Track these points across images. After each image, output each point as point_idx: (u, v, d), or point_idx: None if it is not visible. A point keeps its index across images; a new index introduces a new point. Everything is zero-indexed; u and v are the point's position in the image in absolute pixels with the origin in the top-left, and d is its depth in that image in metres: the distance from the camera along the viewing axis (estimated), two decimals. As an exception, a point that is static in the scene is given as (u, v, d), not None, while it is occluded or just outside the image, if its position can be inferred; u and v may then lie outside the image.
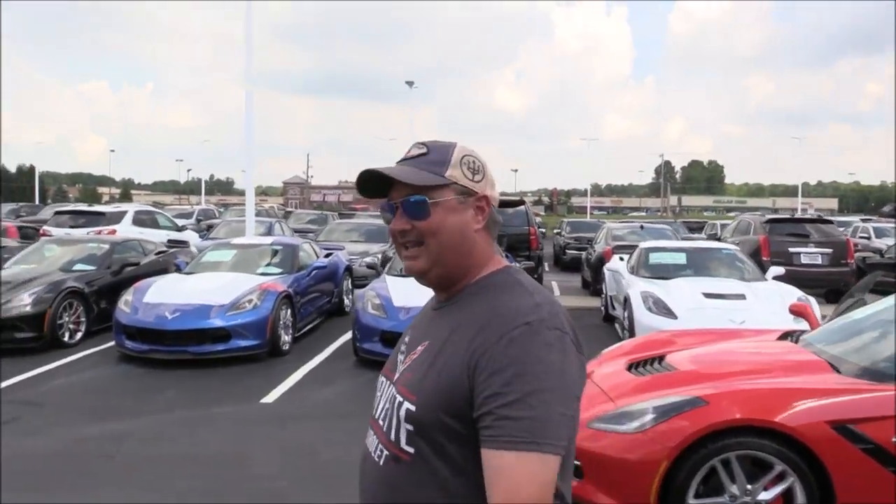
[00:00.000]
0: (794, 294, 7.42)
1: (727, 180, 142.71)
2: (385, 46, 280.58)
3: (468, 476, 1.17)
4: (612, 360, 4.45)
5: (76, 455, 4.89)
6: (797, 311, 5.02)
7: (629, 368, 4.15)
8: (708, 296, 7.25)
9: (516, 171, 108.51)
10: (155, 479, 4.47)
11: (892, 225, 21.52)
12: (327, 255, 10.22)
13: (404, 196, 1.27)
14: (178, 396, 6.36)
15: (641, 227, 14.69)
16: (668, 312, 7.01)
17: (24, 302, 7.83)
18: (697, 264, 8.46)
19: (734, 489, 3.22)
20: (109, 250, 9.43)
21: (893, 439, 3.13)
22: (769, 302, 7.15)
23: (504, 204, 13.31)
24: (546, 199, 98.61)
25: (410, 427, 1.20)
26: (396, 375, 1.31)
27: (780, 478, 3.21)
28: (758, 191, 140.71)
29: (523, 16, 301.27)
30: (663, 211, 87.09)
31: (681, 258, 8.64)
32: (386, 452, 1.26)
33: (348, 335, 8.96)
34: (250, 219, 12.22)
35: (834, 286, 11.24)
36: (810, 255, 11.41)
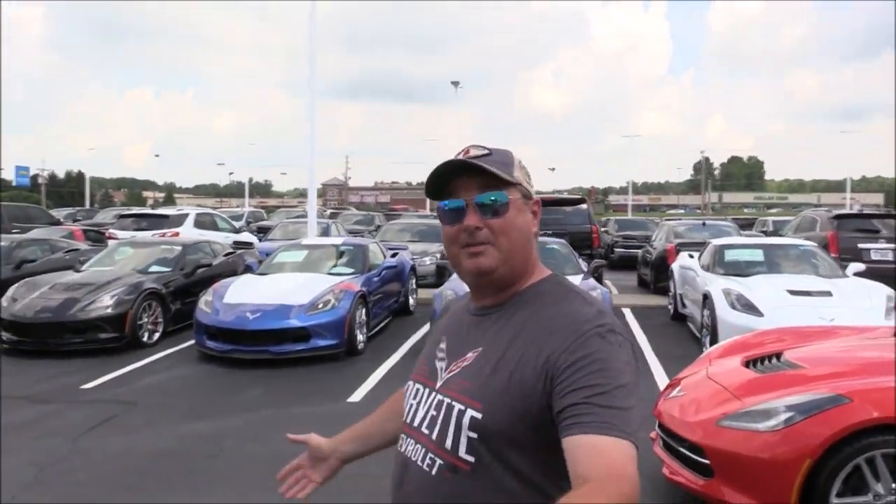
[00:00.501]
0: (882, 291, 7.24)
1: (767, 176, 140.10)
2: (421, 50, 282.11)
3: (531, 484, 1.16)
4: (724, 358, 4.39)
5: (180, 453, 4.98)
6: (905, 309, 4.89)
7: (747, 366, 4.08)
8: (793, 293, 7.10)
9: (553, 169, 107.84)
10: (269, 478, 4.53)
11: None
12: (393, 255, 10.29)
13: (476, 194, 1.25)
14: (265, 395, 6.45)
15: (703, 223, 14.49)
16: (753, 310, 6.88)
17: (105, 303, 8.02)
18: (774, 261, 8.29)
19: (879, 488, 3.15)
20: (182, 252, 9.61)
21: None
22: (857, 298, 6.99)
23: (564, 202, 13.27)
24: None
25: (475, 435, 1.17)
26: (440, 382, 1.29)
27: (928, 477, 3.13)
28: (799, 186, 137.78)
29: (560, 15, 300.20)
30: (703, 208, 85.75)
31: (758, 255, 8.48)
32: (439, 462, 1.22)
33: (419, 334, 9.02)
34: (312, 220, 12.36)
35: (907, 283, 10.94)
36: (881, 251, 11.11)
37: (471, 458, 1.17)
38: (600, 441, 1.04)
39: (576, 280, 8.10)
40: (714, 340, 7.09)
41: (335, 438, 1.61)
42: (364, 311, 8.13)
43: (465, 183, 1.26)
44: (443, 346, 1.35)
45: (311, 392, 6.58)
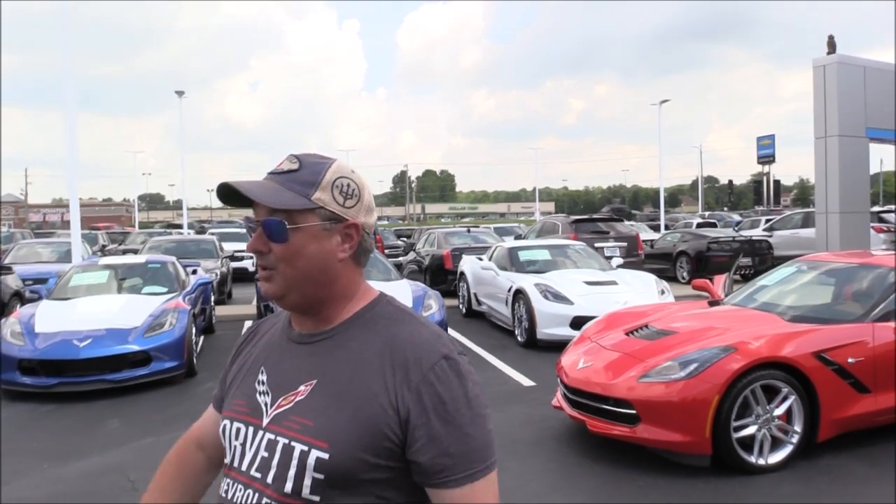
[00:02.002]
0: (647, 277, 9.10)
1: (457, 188, 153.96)
2: (110, 54, 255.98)
3: None
4: (604, 333, 5.39)
5: (90, 493, 4.57)
6: (701, 287, 6.43)
7: (628, 335, 5.14)
8: (588, 283, 8.58)
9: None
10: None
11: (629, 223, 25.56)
12: (193, 272, 9.88)
13: (265, 215, 1.15)
14: (127, 426, 6.00)
15: (468, 230, 16.06)
16: (563, 299, 8.18)
17: None
18: (558, 259, 9.82)
19: (759, 410, 4.34)
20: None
21: (849, 360, 4.50)
22: (634, 285, 8.70)
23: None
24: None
25: (321, 476, 1.09)
26: (267, 419, 1.18)
27: (785, 398, 4.40)
28: (484, 197, 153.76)
29: (254, 25, 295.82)
30: (407, 218, 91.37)
31: (545, 254, 9.94)
32: None
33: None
34: (77, 240, 11.25)
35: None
36: (611, 248, 13.57)
37: (315, 498, 1.10)
38: (468, 492, 1.09)
39: (400, 284, 8.73)
40: (532, 328, 8.27)
41: None
42: (194, 330, 7.84)
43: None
44: (262, 378, 1.22)
45: (176, 416, 6.27)
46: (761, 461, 4.34)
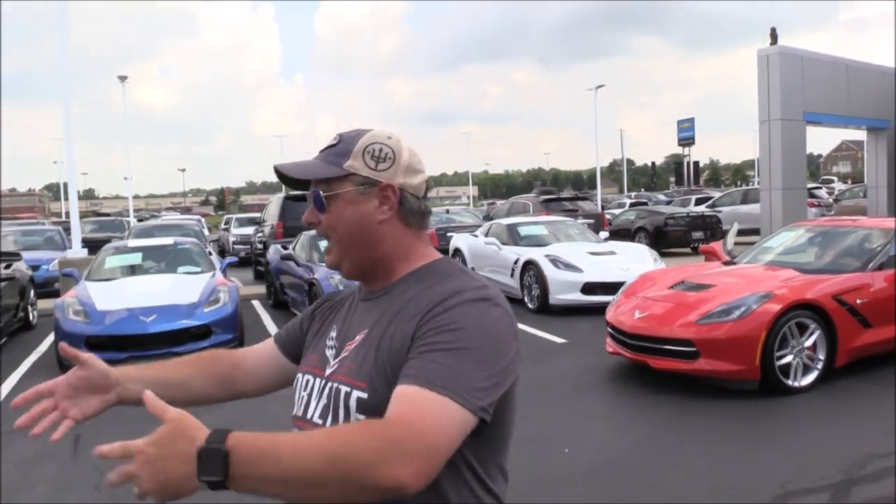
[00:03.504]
0: (640, 247, 10.14)
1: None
2: (10, 41, 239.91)
3: None
4: (646, 290, 6.31)
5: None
6: (708, 251, 7.47)
7: (671, 289, 6.09)
8: (591, 254, 9.53)
9: (184, 170, 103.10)
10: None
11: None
12: (210, 253, 10.28)
13: (311, 189, 1.25)
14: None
15: (447, 211, 16.82)
16: (574, 268, 9.08)
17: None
18: (555, 233, 10.75)
19: (794, 343, 5.37)
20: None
21: (857, 301, 5.59)
22: (631, 254, 9.72)
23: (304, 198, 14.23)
24: (214, 199, 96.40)
25: (362, 416, 1.12)
26: (329, 370, 1.23)
27: (812, 333, 5.44)
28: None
29: (164, 9, 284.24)
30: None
31: (543, 229, 10.84)
32: None
33: (268, 321, 9.39)
34: (76, 228, 11.44)
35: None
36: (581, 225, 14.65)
37: None
38: (422, 393, 1.00)
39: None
40: (543, 295, 9.15)
41: (122, 369, 1.35)
42: (236, 305, 8.32)
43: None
44: (332, 333, 1.30)
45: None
46: (796, 384, 5.37)
